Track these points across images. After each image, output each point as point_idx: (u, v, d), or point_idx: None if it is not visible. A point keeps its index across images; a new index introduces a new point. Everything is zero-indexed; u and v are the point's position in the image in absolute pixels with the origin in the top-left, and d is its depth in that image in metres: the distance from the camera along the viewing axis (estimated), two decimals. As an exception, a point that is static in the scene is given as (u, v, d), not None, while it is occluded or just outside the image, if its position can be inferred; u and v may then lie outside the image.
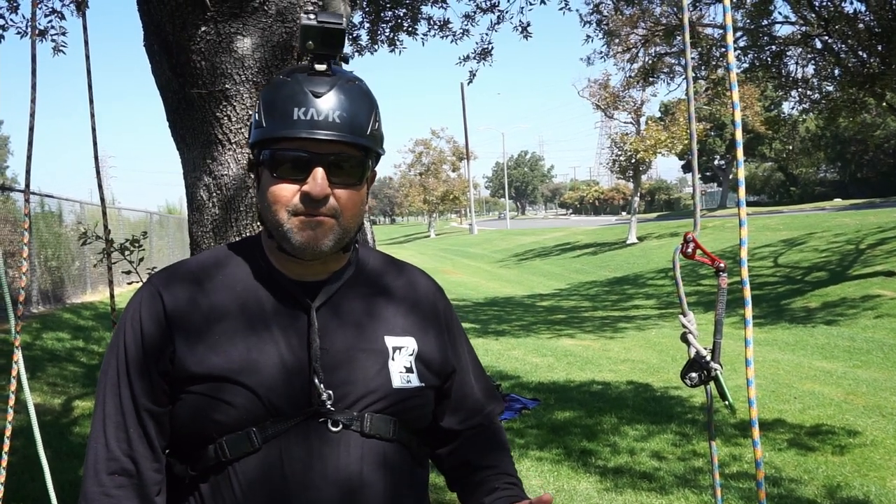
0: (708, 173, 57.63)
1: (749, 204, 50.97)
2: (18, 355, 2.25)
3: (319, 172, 1.18)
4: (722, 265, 1.70)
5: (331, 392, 1.21)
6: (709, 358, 1.71)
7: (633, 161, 28.30)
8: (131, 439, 1.22)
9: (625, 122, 29.64)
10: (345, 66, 1.28)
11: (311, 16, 1.19)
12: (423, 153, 51.16)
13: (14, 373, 2.27)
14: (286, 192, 1.19)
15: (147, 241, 6.69)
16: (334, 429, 1.20)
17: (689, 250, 1.71)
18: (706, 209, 48.13)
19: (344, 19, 1.21)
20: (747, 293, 1.50)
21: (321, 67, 1.21)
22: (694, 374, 1.73)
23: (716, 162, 54.59)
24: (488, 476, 1.40)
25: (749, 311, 1.51)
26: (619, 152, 29.01)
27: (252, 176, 1.43)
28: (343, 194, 1.21)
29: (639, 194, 31.16)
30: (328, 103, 1.18)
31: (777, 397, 7.07)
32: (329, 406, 1.20)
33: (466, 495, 1.41)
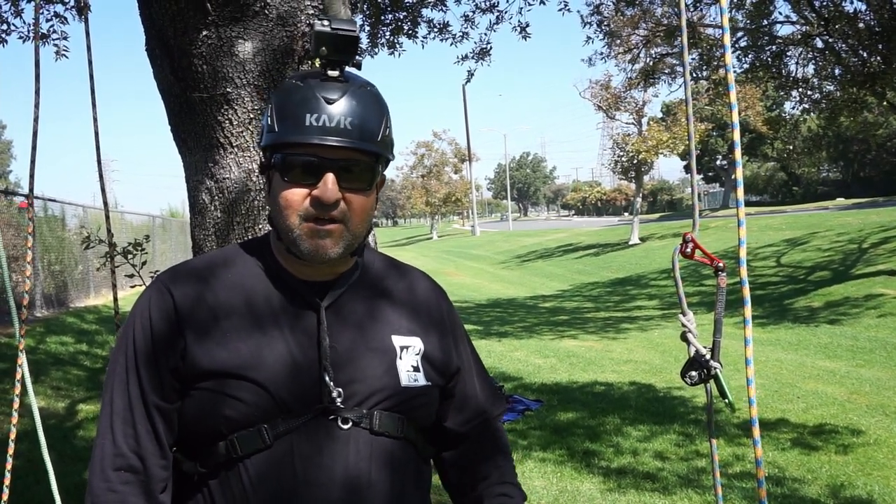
0: (710, 173, 57.58)
1: (752, 204, 50.93)
2: (23, 359, 2.26)
3: (330, 178, 1.19)
4: (721, 265, 1.71)
5: (340, 390, 1.22)
6: (708, 357, 1.71)
7: (635, 162, 28.29)
8: (139, 435, 1.22)
9: (626, 123, 29.67)
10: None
11: (325, 22, 1.21)
12: (425, 155, 51.14)
13: (18, 376, 2.28)
14: (297, 197, 1.20)
15: (150, 244, 6.70)
16: (344, 426, 1.22)
17: (689, 250, 1.72)
18: (708, 209, 48.07)
19: (357, 27, 1.23)
20: (746, 292, 1.51)
21: (334, 73, 1.22)
22: (694, 373, 1.74)
23: (718, 162, 54.55)
24: (483, 492, 1.45)
25: (748, 311, 1.52)
26: (621, 153, 29.00)
27: (263, 179, 1.45)
28: (353, 199, 1.22)
29: (641, 195, 31.16)
30: (340, 109, 1.19)
31: (780, 397, 7.07)
32: (339, 404, 1.22)
33: None
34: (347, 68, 1.25)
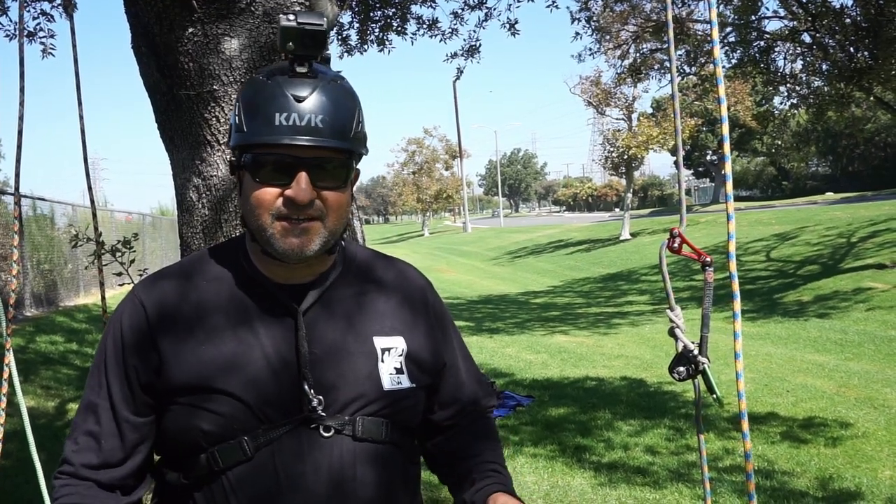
0: (700, 168, 57.74)
1: (741, 199, 51.10)
2: (10, 358, 2.25)
3: (304, 178, 1.16)
4: (708, 260, 1.71)
5: (321, 398, 1.20)
6: (696, 352, 1.72)
7: (626, 157, 28.34)
8: (103, 450, 1.22)
9: (617, 119, 29.72)
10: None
11: (291, 17, 1.16)
12: (416, 152, 51.08)
13: (6, 375, 2.27)
14: (269, 196, 1.17)
15: (139, 242, 6.67)
16: (326, 434, 1.20)
17: (676, 245, 1.72)
18: (699, 204, 48.23)
19: (325, 20, 1.19)
20: (735, 287, 1.51)
21: (302, 69, 1.18)
22: (682, 368, 1.74)
23: (708, 157, 54.67)
24: (472, 466, 1.38)
25: (738, 305, 1.53)
26: (612, 149, 29.05)
27: (234, 179, 1.41)
28: (328, 196, 1.19)
29: (631, 190, 31.22)
30: (310, 107, 1.16)
31: (770, 391, 7.11)
32: (320, 412, 1.19)
33: (454, 488, 1.40)
34: (315, 63, 1.21)
